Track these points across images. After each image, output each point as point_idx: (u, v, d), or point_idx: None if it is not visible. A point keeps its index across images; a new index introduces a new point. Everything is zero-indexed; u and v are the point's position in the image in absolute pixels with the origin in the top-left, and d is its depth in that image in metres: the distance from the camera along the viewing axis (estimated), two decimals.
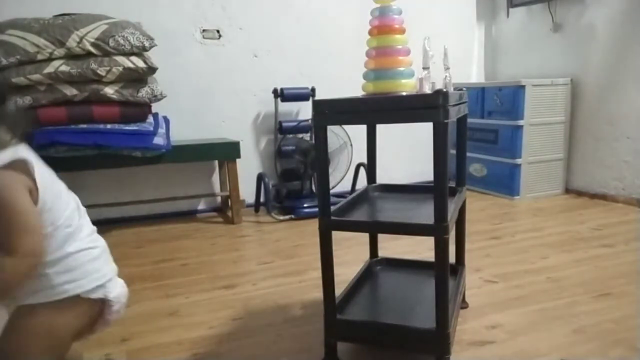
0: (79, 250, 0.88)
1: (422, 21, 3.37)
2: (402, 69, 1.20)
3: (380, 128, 1.64)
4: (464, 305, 1.58)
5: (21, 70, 2.22)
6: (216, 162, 3.10)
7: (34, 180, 0.82)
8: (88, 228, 0.93)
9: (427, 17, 3.48)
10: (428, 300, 1.37)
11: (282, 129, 3.02)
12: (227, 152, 2.77)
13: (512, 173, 3.11)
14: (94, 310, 0.90)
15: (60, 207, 0.87)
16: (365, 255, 1.72)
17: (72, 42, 2.28)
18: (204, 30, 2.99)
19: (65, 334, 0.87)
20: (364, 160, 1.70)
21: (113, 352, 1.40)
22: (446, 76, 1.34)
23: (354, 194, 1.47)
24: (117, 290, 0.92)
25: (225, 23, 3.03)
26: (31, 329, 0.83)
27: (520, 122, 3.03)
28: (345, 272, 1.63)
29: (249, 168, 3.11)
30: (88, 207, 0.99)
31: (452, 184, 1.44)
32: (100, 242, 0.94)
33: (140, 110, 2.46)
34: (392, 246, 2.15)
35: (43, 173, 0.85)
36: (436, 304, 1.13)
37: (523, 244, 2.24)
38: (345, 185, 3.11)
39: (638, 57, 2.72)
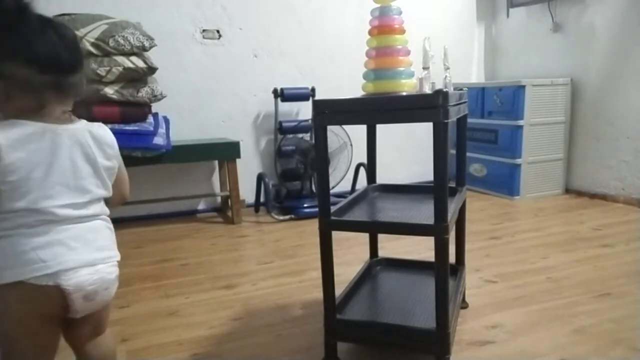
0: (11, 235, 0.84)
1: (422, 21, 3.39)
2: (402, 69, 1.20)
3: (380, 128, 1.64)
4: (464, 305, 1.58)
5: None
6: (216, 162, 3.10)
7: None
8: (39, 215, 0.85)
9: (427, 17, 3.48)
10: (428, 300, 1.37)
11: (282, 129, 3.02)
12: (227, 152, 2.77)
13: (512, 173, 3.11)
14: (50, 295, 0.85)
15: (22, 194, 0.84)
16: (365, 255, 1.72)
17: None
18: (204, 30, 2.99)
19: (12, 318, 0.86)
20: (364, 160, 1.70)
21: None
22: (446, 76, 1.34)
23: (354, 194, 1.47)
24: (77, 279, 0.87)
25: (225, 23, 3.03)
26: None
27: (520, 122, 3.03)
28: (345, 272, 1.63)
29: (249, 168, 3.11)
30: None
31: (452, 184, 1.44)
32: (60, 233, 0.87)
33: (140, 110, 2.46)
34: (392, 246, 2.15)
35: (20, 157, 0.83)
36: (436, 304, 1.13)
37: (523, 244, 2.24)
38: (345, 185, 3.11)
39: (638, 57, 2.72)
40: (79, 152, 0.91)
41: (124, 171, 1.04)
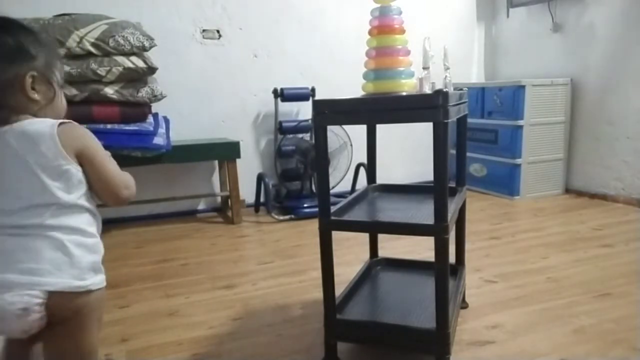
0: None
1: (422, 21, 3.38)
2: (402, 69, 1.20)
3: (380, 128, 1.64)
4: (464, 305, 1.58)
5: None
6: (216, 162, 3.10)
7: None
8: None
9: (427, 17, 3.48)
10: (428, 300, 1.37)
11: (282, 129, 3.02)
12: (227, 152, 2.77)
13: (512, 173, 3.11)
14: None
15: None
16: (365, 255, 1.72)
17: (72, 42, 2.28)
18: (204, 30, 2.99)
19: None
20: (364, 160, 1.70)
21: (113, 352, 1.40)
22: (446, 76, 1.34)
23: (354, 194, 1.47)
24: None
25: (225, 23, 3.03)
26: None
27: (520, 122, 3.02)
28: (345, 272, 1.63)
29: (249, 168, 3.11)
30: None
31: (452, 184, 1.44)
32: None
33: (140, 110, 2.46)
34: (392, 246, 2.15)
35: None
36: (436, 304, 1.13)
37: (523, 244, 2.24)
38: (345, 185, 3.11)
39: (638, 57, 2.72)
40: (11, 154, 0.84)
41: (103, 167, 0.91)
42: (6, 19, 0.91)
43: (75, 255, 0.84)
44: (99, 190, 0.92)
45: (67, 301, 0.83)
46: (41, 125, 0.86)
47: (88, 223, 0.89)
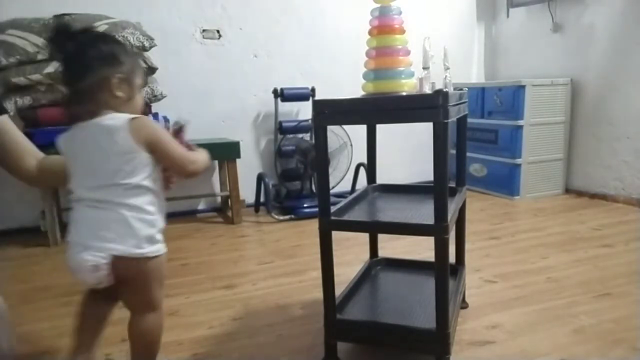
0: None
1: (422, 21, 3.38)
2: (402, 69, 1.20)
3: (380, 128, 1.64)
4: (464, 305, 1.58)
5: (21, 70, 2.22)
6: (216, 162, 3.09)
7: None
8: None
9: (427, 17, 3.48)
10: (428, 300, 1.37)
11: (282, 129, 3.02)
12: (227, 152, 2.77)
13: (512, 173, 3.11)
14: None
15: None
16: (365, 255, 1.72)
17: None
18: (204, 30, 2.99)
19: None
20: (364, 160, 1.70)
21: (113, 352, 1.40)
22: (446, 76, 1.34)
23: (354, 194, 1.47)
24: (68, 254, 1.04)
25: (225, 23, 3.03)
26: None
27: (520, 122, 3.03)
28: (345, 272, 1.63)
29: (249, 168, 3.11)
30: None
31: (452, 184, 1.44)
32: (75, 212, 1.07)
33: None
34: (392, 246, 2.15)
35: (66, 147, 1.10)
36: (436, 304, 1.13)
37: (523, 244, 2.24)
38: (345, 185, 3.11)
39: (638, 57, 2.72)
40: (93, 142, 1.03)
41: (168, 151, 1.09)
42: (105, 34, 1.16)
43: (135, 228, 1.02)
44: (169, 168, 1.12)
45: (129, 264, 1.02)
46: (117, 121, 1.03)
47: (148, 202, 1.06)
